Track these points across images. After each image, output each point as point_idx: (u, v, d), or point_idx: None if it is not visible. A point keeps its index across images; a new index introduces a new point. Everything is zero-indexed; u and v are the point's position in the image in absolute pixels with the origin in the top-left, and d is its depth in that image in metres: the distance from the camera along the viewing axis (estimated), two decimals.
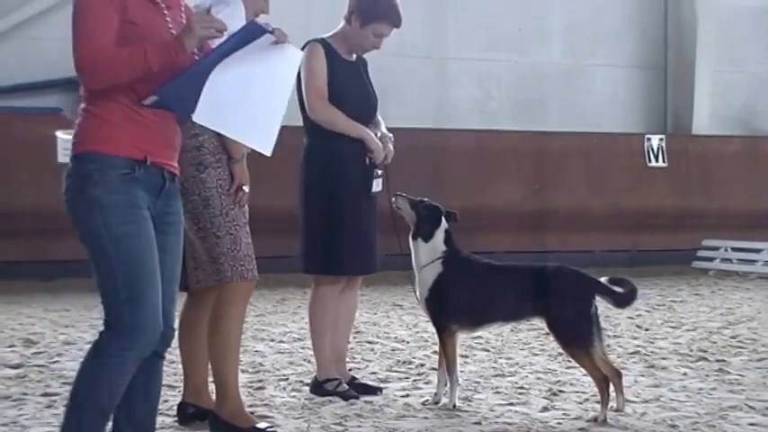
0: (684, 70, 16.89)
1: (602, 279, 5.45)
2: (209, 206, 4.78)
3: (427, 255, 5.54)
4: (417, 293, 5.64)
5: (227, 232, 4.80)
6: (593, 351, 5.24)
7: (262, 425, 4.87)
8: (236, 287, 4.85)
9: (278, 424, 5.02)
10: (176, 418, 5.11)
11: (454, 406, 5.41)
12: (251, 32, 3.68)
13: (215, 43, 3.74)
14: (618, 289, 5.39)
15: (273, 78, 3.78)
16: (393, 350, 7.43)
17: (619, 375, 5.35)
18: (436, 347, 6.00)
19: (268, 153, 3.75)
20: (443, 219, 5.59)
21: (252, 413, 5.06)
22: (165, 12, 3.75)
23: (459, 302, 5.49)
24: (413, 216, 5.59)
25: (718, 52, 16.93)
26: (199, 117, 3.65)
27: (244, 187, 4.87)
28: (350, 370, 6.07)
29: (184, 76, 3.61)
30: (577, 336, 5.27)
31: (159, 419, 5.09)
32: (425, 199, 5.67)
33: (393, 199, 5.65)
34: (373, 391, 5.80)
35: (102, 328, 3.72)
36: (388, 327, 8.68)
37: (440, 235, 5.55)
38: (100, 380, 3.65)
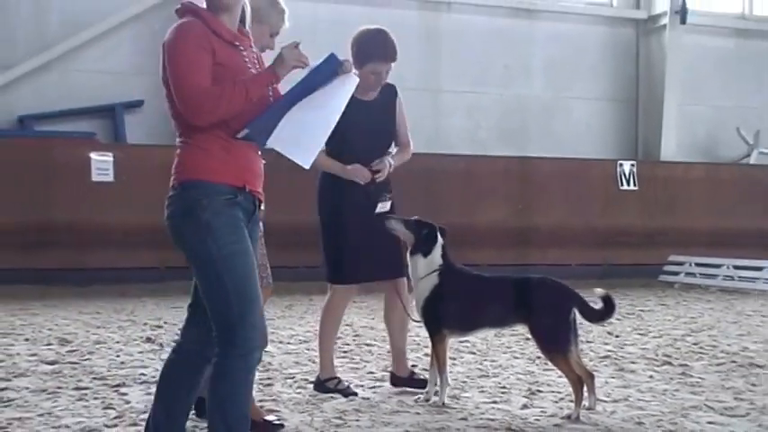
0: (654, 104, 16.96)
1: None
2: None
3: (425, 268, 5.50)
4: (414, 302, 5.61)
5: None
6: (569, 356, 5.22)
7: (270, 417, 4.87)
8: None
9: (284, 417, 5.01)
10: (194, 412, 5.08)
11: (443, 404, 5.40)
12: (332, 66, 3.72)
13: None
14: (595, 305, 5.37)
15: (331, 103, 3.78)
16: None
17: (591, 377, 5.34)
18: (427, 350, 5.98)
19: (307, 166, 3.73)
20: (439, 235, 5.58)
21: (261, 407, 5.05)
22: (244, 52, 3.79)
23: (453, 310, 5.44)
24: (410, 236, 5.54)
25: (683, 88, 17.02)
26: (272, 142, 3.65)
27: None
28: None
29: (271, 109, 3.65)
30: (556, 342, 5.24)
31: None
32: (415, 217, 5.61)
33: (385, 222, 5.58)
34: (422, 384, 5.73)
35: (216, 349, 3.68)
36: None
37: (437, 250, 5.52)
38: (237, 393, 3.62)
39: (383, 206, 5.79)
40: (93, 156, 12.65)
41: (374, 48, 5.65)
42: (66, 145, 13.36)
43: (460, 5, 16.12)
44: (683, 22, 16.53)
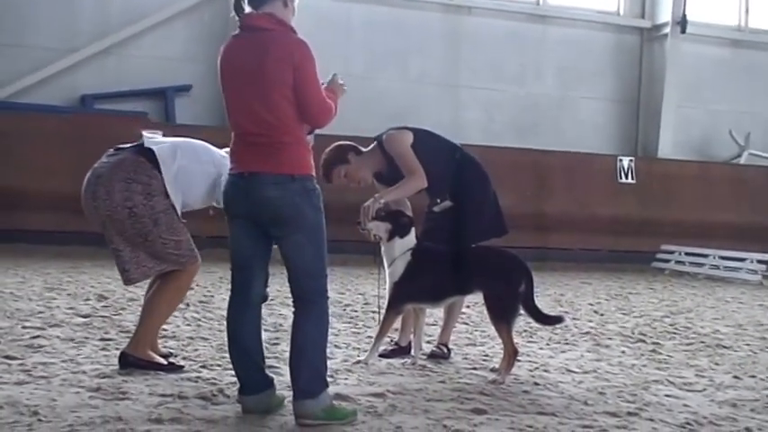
0: (653, 105, 16.77)
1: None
2: (158, 225, 4.82)
3: (401, 248, 5.33)
4: (387, 281, 5.44)
5: (170, 239, 4.86)
6: (512, 326, 5.18)
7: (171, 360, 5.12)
8: (188, 270, 4.95)
9: (282, 373, 4.91)
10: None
11: (367, 364, 5.30)
12: None
13: None
14: (541, 308, 5.31)
15: None
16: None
17: (517, 353, 5.24)
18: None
19: None
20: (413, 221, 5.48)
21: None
22: None
23: (424, 284, 5.32)
24: (386, 225, 5.32)
25: (681, 92, 16.83)
26: None
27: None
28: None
29: None
30: (504, 311, 5.16)
31: (187, 364, 5.10)
32: (383, 212, 5.40)
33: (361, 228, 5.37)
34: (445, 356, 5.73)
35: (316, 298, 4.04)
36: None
37: (413, 233, 5.39)
38: (326, 328, 4.06)
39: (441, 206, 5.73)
40: (144, 133, 12.62)
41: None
42: (121, 122, 13.41)
43: (481, 9, 15.99)
44: (684, 31, 16.36)
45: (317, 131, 4.25)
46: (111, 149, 5.18)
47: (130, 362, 4.89)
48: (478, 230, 5.76)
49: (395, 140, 5.60)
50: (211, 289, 8.95)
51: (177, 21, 14.71)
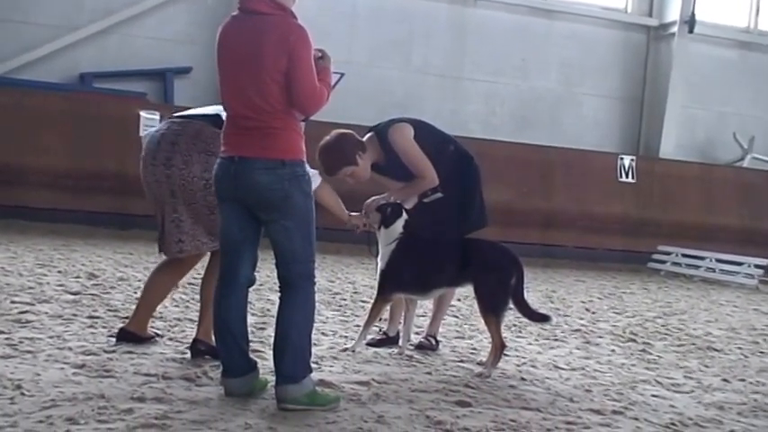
0: (657, 104, 16.76)
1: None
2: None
3: (387, 238, 5.37)
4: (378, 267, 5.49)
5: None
6: (501, 320, 5.15)
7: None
8: None
9: (267, 357, 4.93)
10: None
11: (354, 351, 5.33)
12: None
13: None
14: (530, 303, 5.29)
15: None
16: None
17: (504, 347, 5.23)
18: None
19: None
20: (404, 212, 5.47)
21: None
22: None
23: (409, 273, 5.32)
24: (377, 216, 5.42)
25: (686, 92, 16.82)
26: None
27: None
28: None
29: None
30: (495, 304, 5.13)
31: (173, 345, 5.12)
32: (383, 202, 5.50)
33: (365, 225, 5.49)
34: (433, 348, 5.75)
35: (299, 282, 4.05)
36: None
37: (400, 222, 5.39)
38: (312, 314, 4.09)
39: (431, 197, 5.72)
40: (142, 113, 12.73)
41: (320, 166, 5.39)
42: (120, 102, 13.47)
43: (486, 2, 15.97)
44: (691, 31, 16.35)
45: (312, 118, 4.23)
46: (177, 116, 5.00)
47: (203, 350, 4.90)
48: (467, 223, 5.77)
49: (400, 136, 5.58)
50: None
51: (180, 3, 14.71)
